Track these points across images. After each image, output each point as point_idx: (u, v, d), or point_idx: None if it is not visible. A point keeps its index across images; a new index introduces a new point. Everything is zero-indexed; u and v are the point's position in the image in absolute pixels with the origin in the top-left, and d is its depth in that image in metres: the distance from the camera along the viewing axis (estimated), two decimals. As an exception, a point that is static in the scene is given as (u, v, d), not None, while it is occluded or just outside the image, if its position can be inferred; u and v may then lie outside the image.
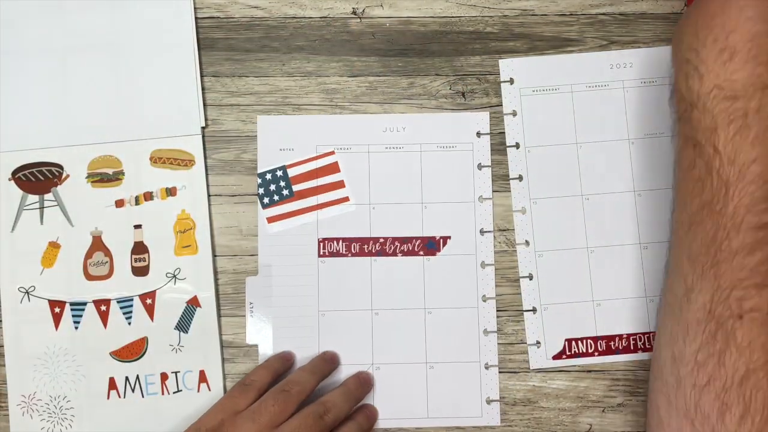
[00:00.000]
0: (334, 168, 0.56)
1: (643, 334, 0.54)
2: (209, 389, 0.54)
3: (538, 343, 0.55)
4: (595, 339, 0.55)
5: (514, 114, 0.57)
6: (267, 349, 0.54)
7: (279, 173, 0.56)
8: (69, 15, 0.56)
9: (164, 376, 0.54)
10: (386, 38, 0.57)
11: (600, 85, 0.57)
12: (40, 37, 0.55)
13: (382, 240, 0.55)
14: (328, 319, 0.55)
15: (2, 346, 0.54)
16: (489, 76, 0.57)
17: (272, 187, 0.55)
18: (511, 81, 0.57)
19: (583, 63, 0.57)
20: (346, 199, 0.56)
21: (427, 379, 0.54)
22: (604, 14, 0.58)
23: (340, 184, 0.56)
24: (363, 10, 0.57)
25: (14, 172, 0.55)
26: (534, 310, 0.55)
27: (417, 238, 0.55)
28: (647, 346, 0.54)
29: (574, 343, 0.55)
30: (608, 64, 0.57)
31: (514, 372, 0.55)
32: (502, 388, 0.55)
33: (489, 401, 0.54)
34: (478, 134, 0.56)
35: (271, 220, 0.55)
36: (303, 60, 0.57)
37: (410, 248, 0.55)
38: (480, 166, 0.56)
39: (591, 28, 0.57)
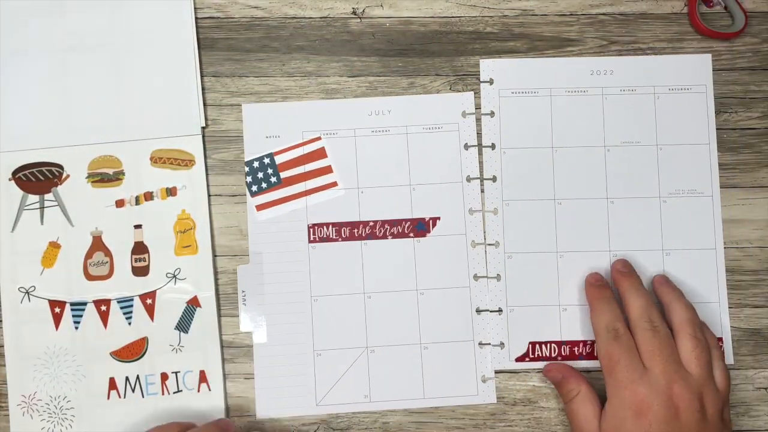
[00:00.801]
0: (321, 153, 0.56)
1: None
2: (209, 389, 0.54)
3: (502, 344, 0.55)
4: (559, 343, 0.55)
5: (492, 115, 0.56)
6: (261, 337, 0.54)
7: (266, 161, 0.56)
8: (69, 15, 0.56)
9: (164, 376, 0.54)
10: (386, 38, 0.57)
11: (579, 90, 0.56)
12: (40, 37, 0.55)
13: (371, 223, 0.55)
14: (320, 304, 0.55)
15: (2, 346, 0.54)
16: (489, 76, 0.57)
17: (260, 174, 0.55)
18: (491, 81, 0.57)
19: (564, 68, 0.57)
20: (335, 183, 0.56)
21: (422, 360, 0.54)
22: (604, 14, 0.58)
23: (327, 170, 0.56)
24: (363, 10, 0.57)
25: (14, 172, 0.55)
26: (500, 311, 0.55)
27: (406, 220, 0.55)
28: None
29: (537, 346, 0.55)
30: (589, 71, 0.57)
31: (514, 372, 0.55)
32: (502, 388, 0.55)
33: (485, 379, 0.54)
34: (464, 114, 0.56)
35: (259, 207, 0.55)
36: (303, 60, 0.57)
37: (400, 230, 0.55)
38: (467, 146, 0.56)
39: (591, 28, 0.57)
